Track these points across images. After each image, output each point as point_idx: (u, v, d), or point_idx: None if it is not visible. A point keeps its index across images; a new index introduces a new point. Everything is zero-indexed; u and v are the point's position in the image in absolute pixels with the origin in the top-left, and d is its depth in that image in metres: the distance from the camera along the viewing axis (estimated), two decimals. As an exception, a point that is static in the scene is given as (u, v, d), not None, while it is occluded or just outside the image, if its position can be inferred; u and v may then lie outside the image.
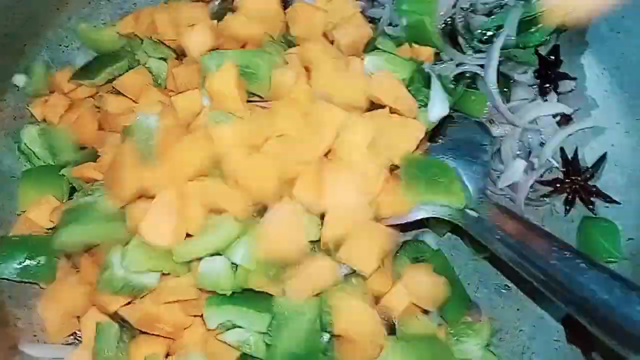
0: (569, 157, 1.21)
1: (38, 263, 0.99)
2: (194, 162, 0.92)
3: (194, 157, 0.92)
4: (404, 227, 1.09)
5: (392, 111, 0.98)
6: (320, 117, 0.92)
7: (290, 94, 0.94)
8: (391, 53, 1.04)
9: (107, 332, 0.92)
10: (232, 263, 0.88)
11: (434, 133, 1.05)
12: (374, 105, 1.00)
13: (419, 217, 0.93)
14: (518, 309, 1.11)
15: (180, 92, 1.02)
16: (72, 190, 1.07)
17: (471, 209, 0.92)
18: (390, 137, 0.96)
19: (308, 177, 0.90)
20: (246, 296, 0.88)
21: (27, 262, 0.98)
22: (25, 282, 1.01)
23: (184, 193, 0.90)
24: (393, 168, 0.95)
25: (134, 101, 1.11)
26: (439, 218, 0.96)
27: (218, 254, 0.88)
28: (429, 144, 1.01)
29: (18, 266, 0.98)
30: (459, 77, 1.25)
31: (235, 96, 0.96)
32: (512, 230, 0.87)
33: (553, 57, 1.24)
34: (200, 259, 0.88)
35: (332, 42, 1.10)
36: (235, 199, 0.89)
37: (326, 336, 0.92)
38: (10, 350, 0.95)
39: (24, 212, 1.05)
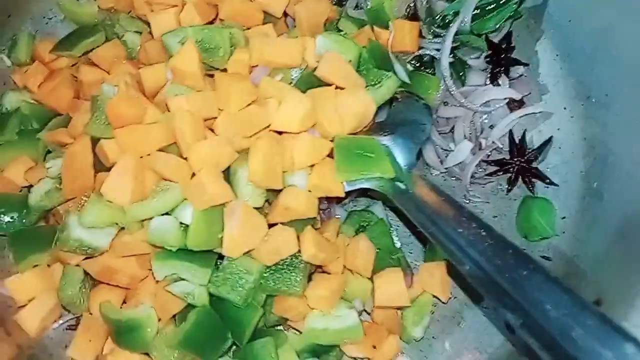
0: (517, 139, 1.29)
1: (11, 218, 1.09)
2: (154, 138, 1.01)
3: (154, 133, 1.01)
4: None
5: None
6: (263, 91, 1.01)
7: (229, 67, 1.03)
8: (342, 35, 1.11)
9: (72, 275, 1.03)
10: (180, 223, 0.98)
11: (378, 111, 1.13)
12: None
13: (349, 189, 1.02)
14: (454, 278, 1.19)
15: (149, 65, 1.12)
16: (48, 153, 1.17)
17: (400, 182, 1.00)
18: (335, 111, 1.04)
19: (259, 153, 0.99)
20: (190, 252, 0.97)
21: (1, 217, 1.09)
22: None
23: (140, 161, 1.00)
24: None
25: (107, 72, 1.20)
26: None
27: (167, 215, 0.98)
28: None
29: (-7, 221, 1.09)
30: (419, 60, 1.33)
31: (194, 72, 1.04)
32: (430, 200, 0.95)
33: (505, 44, 1.30)
34: (151, 218, 0.98)
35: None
36: (183, 170, 0.98)
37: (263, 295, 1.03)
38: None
39: (1, 171, 1.15)
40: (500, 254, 0.83)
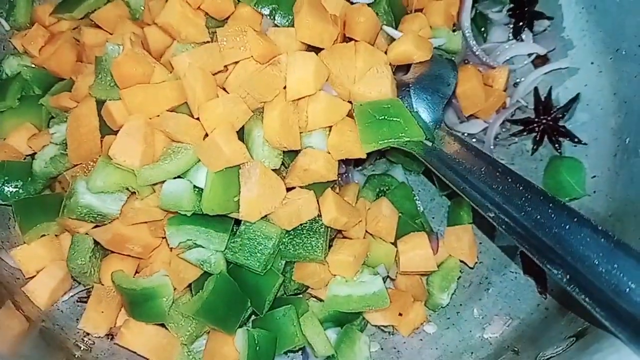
0: (542, 96, 1.23)
1: (15, 186, 1.04)
2: (163, 97, 0.95)
3: (164, 93, 0.95)
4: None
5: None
6: (273, 48, 0.95)
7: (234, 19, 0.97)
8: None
9: (81, 244, 0.98)
10: (194, 187, 0.93)
11: (405, 67, 1.07)
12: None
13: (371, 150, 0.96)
14: (481, 243, 1.14)
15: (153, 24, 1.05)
16: (51, 119, 1.11)
17: (427, 139, 0.94)
18: (354, 68, 0.98)
19: (274, 111, 0.94)
20: (206, 217, 0.92)
21: (5, 185, 1.04)
22: (3, 205, 1.06)
23: (150, 122, 0.94)
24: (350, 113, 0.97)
25: (110, 33, 1.14)
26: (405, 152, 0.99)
27: (179, 177, 0.93)
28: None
29: (-3, 189, 1.04)
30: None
31: (182, 24, 0.98)
32: (460, 156, 0.90)
33: (528, -4, 1.24)
34: (163, 182, 0.92)
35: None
36: (196, 131, 0.92)
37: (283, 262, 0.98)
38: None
39: (4, 139, 1.09)
40: (540, 208, 0.77)
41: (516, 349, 0.98)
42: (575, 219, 0.74)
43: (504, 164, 0.86)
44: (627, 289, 0.65)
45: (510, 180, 0.83)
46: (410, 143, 0.95)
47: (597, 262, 0.69)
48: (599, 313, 0.67)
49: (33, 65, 1.15)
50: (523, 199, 0.80)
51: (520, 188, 0.81)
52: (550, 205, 0.77)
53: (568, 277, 0.70)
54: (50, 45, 1.14)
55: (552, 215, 0.76)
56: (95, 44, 1.12)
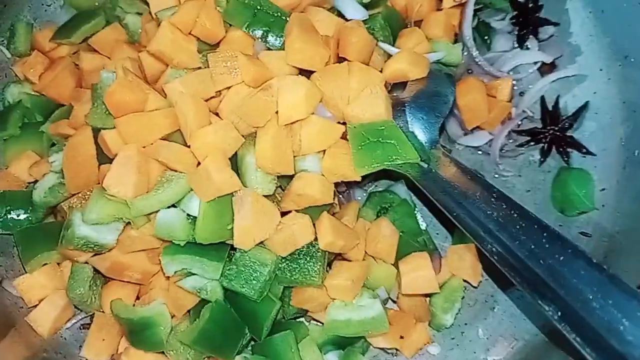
0: (550, 105, 1.19)
1: (17, 216, 1.05)
2: (157, 126, 0.95)
3: (157, 121, 0.95)
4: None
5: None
6: (265, 72, 0.94)
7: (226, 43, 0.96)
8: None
9: (80, 273, 0.99)
10: (187, 215, 0.93)
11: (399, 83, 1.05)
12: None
13: (365, 173, 0.94)
14: (487, 259, 1.11)
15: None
16: (52, 145, 1.12)
17: (422, 160, 0.92)
18: (347, 89, 0.96)
19: (267, 136, 0.93)
20: (200, 246, 0.92)
21: (7, 215, 1.05)
22: (5, 234, 1.08)
23: (143, 151, 0.94)
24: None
25: (108, 58, 1.14)
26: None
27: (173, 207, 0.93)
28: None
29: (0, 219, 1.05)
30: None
31: (172, 52, 0.97)
32: (455, 180, 0.88)
33: (532, 2, 1.20)
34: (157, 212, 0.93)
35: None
36: (188, 159, 0.92)
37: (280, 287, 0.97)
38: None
39: (6, 167, 1.11)
40: (534, 237, 0.75)
41: (518, 374, 0.96)
42: (570, 250, 0.72)
43: (500, 190, 0.84)
44: (621, 327, 0.63)
45: (505, 206, 0.81)
46: (405, 165, 0.93)
47: (590, 297, 0.67)
48: (589, 354, 0.64)
49: (33, 92, 1.16)
50: (517, 226, 0.78)
51: (515, 215, 0.79)
52: (545, 234, 0.75)
53: (559, 313, 0.68)
54: (50, 72, 1.15)
55: (546, 245, 0.74)
56: (93, 69, 1.13)
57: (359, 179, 0.95)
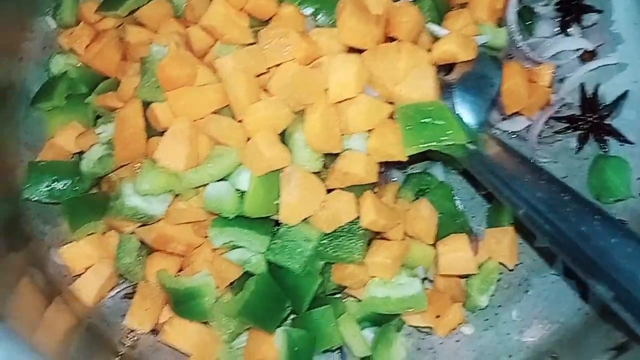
0: (589, 93, 1.20)
1: (63, 185, 1.07)
2: (207, 100, 0.96)
3: (208, 96, 0.96)
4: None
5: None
6: (315, 49, 0.94)
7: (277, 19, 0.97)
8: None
9: (128, 243, 1.01)
10: (236, 189, 0.94)
11: (449, 66, 1.05)
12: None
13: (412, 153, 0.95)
14: (520, 243, 1.13)
15: (196, 24, 1.06)
16: (98, 118, 1.14)
17: (469, 142, 0.93)
18: (395, 69, 0.97)
19: (315, 114, 0.93)
20: (247, 219, 0.94)
21: (54, 185, 1.06)
22: (49, 203, 1.09)
23: (194, 124, 0.96)
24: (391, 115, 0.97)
25: (154, 32, 1.15)
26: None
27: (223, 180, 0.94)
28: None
29: (45, 189, 1.06)
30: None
31: (225, 27, 0.98)
32: (504, 162, 0.88)
33: (576, -11, 1.20)
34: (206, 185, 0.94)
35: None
36: (238, 134, 0.94)
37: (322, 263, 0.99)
38: (38, 260, 1.05)
39: (52, 137, 1.12)
40: (586, 220, 0.76)
41: (555, 355, 0.98)
42: (621, 232, 0.73)
43: (550, 172, 0.85)
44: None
45: (555, 189, 0.82)
46: (453, 146, 0.94)
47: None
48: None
49: (79, 64, 1.17)
50: (568, 209, 0.79)
51: (566, 198, 0.80)
52: (596, 217, 0.76)
53: (613, 294, 0.69)
54: (96, 44, 1.16)
55: (598, 228, 0.75)
56: (139, 42, 1.13)
57: (405, 159, 0.96)
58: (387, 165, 1.13)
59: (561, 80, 1.23)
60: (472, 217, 1.17)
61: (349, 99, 0.95)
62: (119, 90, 1.07)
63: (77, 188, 1.07)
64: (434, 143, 0.93)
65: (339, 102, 0.95)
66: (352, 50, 0.98)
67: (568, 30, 1.22)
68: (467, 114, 0.98)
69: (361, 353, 0.99)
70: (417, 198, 1.10)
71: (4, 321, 0.72)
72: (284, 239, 0.95)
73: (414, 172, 1.16)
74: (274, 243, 0.95)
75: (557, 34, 1.24)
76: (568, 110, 1.22)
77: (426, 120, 0.94)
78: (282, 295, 0.97)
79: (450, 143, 0.93)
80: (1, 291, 0.82)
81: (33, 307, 0.88)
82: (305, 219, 0.95)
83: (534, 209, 0.81)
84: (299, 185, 0.92)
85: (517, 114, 1.20)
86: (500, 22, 1.19)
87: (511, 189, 0.85)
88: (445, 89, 1.00)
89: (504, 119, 1.21)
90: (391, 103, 0.98)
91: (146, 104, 1.01)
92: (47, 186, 1.06)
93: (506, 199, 0.85)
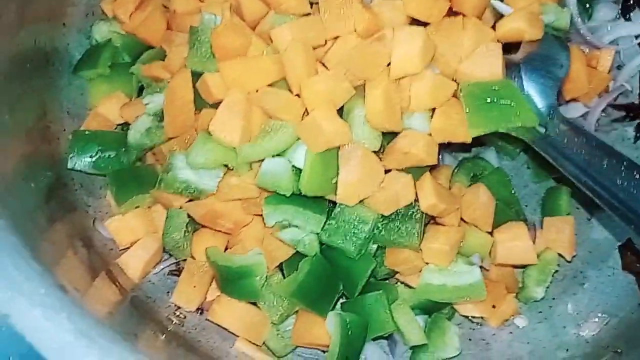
0: (648, 82, 1.15)
1: (108, 156, 1.03)
2: (263, 72, 0.92)
3: (263, 67, 0.92)
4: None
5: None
6: (377, 21, 0.90)
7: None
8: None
9: (177, 218, 0.96)
10: (293, 167, 0.90)
11: (511, 45, 1.00)
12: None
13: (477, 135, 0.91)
14: (575, 234, 1.08)
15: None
16: (141, 88, 1.10)
17: (540, 125, 0.88)
18: (460, 45, 0.92)
19: (377, 90, 0.89)
20: (303, 198, 0.90)
21: (99, 155, 1.03)
22: (95, 174, 1.06)
23: (248, 97, 0.92)
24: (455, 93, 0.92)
25: (201, 1, 1.11)
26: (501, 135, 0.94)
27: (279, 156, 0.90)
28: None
29: (90, 159, 1.02)
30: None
31: None
32: (579, 147, 0.84)
33: (641, -29, 1.15)
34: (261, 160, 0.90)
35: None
36: (296, 108, 0.89)
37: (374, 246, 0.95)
38: (84, 232, 1.01)
39: (95, 107, 1.08)
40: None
41: (619, 351, 0.94)
42: None
43: (630, 159, 0.80)
44: None
45: (636, 175, 0.78)
46: (521, 129, 0.89)
47: None
48: None
49: (123, 32, 1.12)
50: (653, 197, 0.75)
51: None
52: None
53: None
54: (140, 12, 1.11)
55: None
56: (186, 11, 1.08)
57: (469, 140, 0.92)
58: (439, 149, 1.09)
59: (619, 67, 1.18)
60: (525, 205, 1.13)
61: (412, 75, 0.91)
62: (166, 60, 1.04)
63: (122, 160, 1.03)
64: (502, 124, 0.89)
65: (401, 78, 0.91)
66: (414, 23, 0.93)
67: (629, 14, 1.17)
68: (535, 95, 0.93)
69: (416, 341, 0.95)
70: (472, 184, 1.06)
71: (68, 292, 0.68)
72: (339, 220, 0.91)
73: (467, 156, 1.12)
74: (329, 224, 0.91)
75: (617, 19, 1.19)
76: (626, 99, 1.17)
77: (493, 100, 0.89)
78: (335, 278, 0.94)
79: (519, 125, 0.88)
80: (55, 262, 0.78)
81: (81, 280, 0.84)
82: (362, 200, 0.91)
83: (615, 197, 0.77)
84: (359, 164, 0.88)
85: (573, 100, 1.16)
86: (560, 3, 1.14)
87: (589, 175, 0.81)
88: (512, 69, 0.95)
89: (559, 105, 1.17)
90: (455, 81, 0.93)
91: (195, 75, 0.97)
92: (91, 156, 1.02)
93: (585, 186, 0.81)
